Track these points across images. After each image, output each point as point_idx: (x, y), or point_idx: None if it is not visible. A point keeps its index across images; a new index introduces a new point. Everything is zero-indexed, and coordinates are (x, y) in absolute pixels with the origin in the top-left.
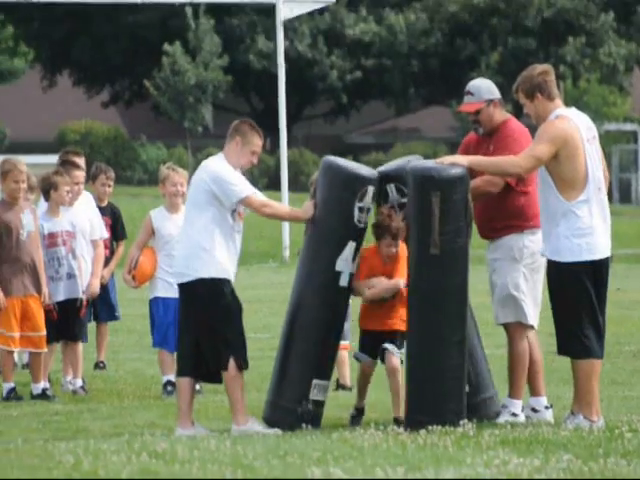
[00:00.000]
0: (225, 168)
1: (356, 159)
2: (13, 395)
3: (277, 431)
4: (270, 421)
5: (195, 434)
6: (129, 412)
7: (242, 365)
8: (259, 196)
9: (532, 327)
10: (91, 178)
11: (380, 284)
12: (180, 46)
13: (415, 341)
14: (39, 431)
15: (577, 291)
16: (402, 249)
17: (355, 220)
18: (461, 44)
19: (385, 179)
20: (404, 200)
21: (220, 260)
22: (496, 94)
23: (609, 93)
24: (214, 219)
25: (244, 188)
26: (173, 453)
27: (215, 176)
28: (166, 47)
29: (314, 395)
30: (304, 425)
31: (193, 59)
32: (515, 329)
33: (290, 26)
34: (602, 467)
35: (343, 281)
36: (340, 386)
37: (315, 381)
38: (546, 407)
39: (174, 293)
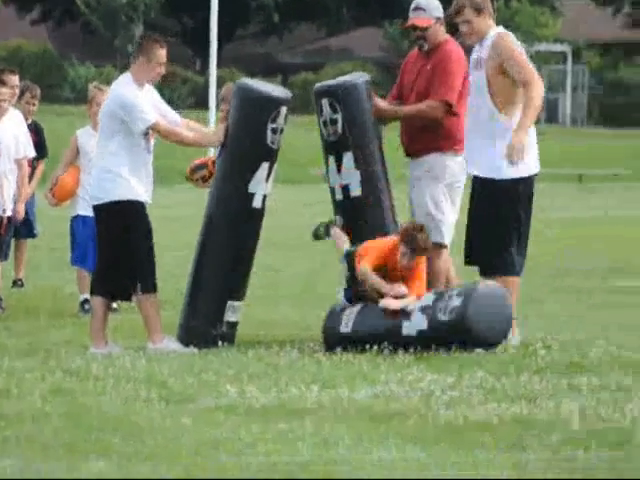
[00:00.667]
0: (132, 93)
1: (285, 79)
2: None
3: (193, 350)
4: (184, 343)
5: (109, 352)
6: (45, 330)
7: (149, 288)
8: (164, 123)
9: (446, 247)
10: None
11: (388, 298)
12: None
13: None
14: None
15: (512, 208)
16: (420, 269)
17: (268, 141)
18: None
19: (320, 95)
20: (336, 116)
21: (132, 183)
22: (442, 13)
23: (540, 14)
24: (125, 142)
25: (149, 115)
26: (87, 370)
27: (122, 102)
28: None
29: (228, 317)
30: (220, 343)
31: None
32: (432, 248)
33: None
34: (515, 383)
35: (257, 202)
36: None
37: (229, 302)
38: None
39: (89, 212)
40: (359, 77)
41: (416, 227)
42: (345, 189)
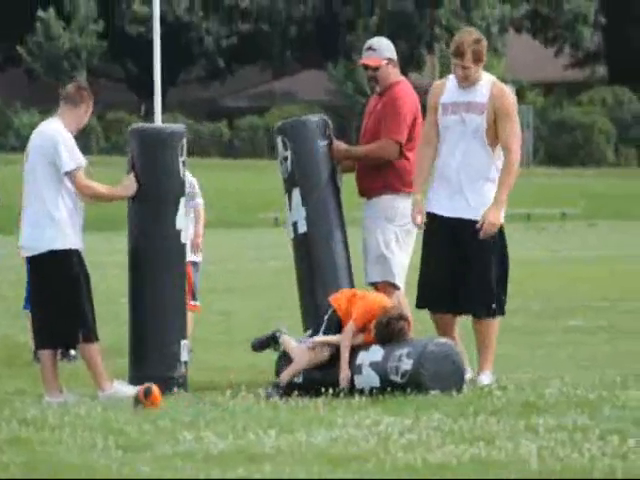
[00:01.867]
0: (59, 135)
1: (231, 123)
2: None
3: (147, 385)
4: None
5: (65, 401)
6: None
7: (91, 338)
8: (82, 175)
9: (399, 288)
10: None
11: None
12: (54, 12)
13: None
14: None
15: (506, 248)
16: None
17: (181, 175)
18: (339, 8)
19: (276, 132)
20: (286, 153)
21: (67, 230)
22: (394, 54)
23: None
24: (57, 186)
25: (72, 161)
26: (44, 420)
27: (50, 142)
28: (40, 13)
29: (184, 357)
30: (175, 389)
31: (68, 24)
32: (384, 288)
33: None
34: (472, 425)
35: (184, 238)
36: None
37: (183, 342)
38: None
39: None
40: (316, 117)
41: (390, 318)
42: (294, 225)
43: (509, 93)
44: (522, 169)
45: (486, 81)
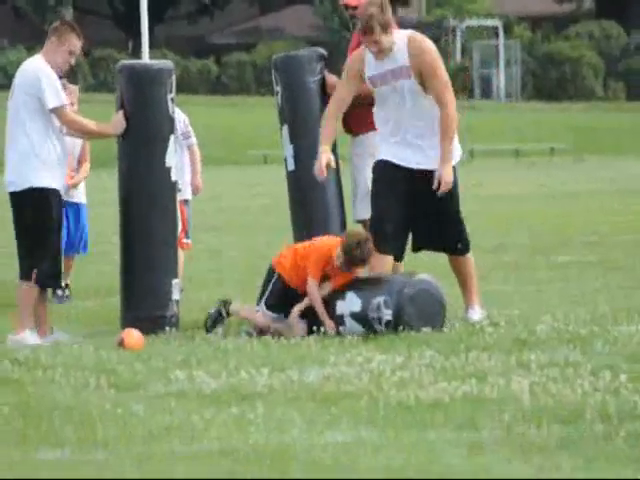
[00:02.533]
0: (43, 71)
1: (218, 59)
2: None
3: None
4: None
5: (57, 340)
6: None
7: (41, 282)
8: (69, 110)
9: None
10: None
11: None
12: None
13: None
14: None
15: (457, 190)
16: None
17: (170, 112)
18: None
19: (272, 66)
20: (277, 88)
21: (50, 169)
22: None
23: None
24: (41, 123)
25: (57, 98)
26: (36, 360)
27: (36, 78)
28: None
29: (176, 295)
30: (167, 328)
31: None
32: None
33: None
34: (463, 362)
35: (174, 175)
36: None
37: (174, 281)
38: None
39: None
40: (308, 50)
41: (359, 240)
42: (285, 162)
43: (427, 46)
44: (510, 103)
45: (401, 42)
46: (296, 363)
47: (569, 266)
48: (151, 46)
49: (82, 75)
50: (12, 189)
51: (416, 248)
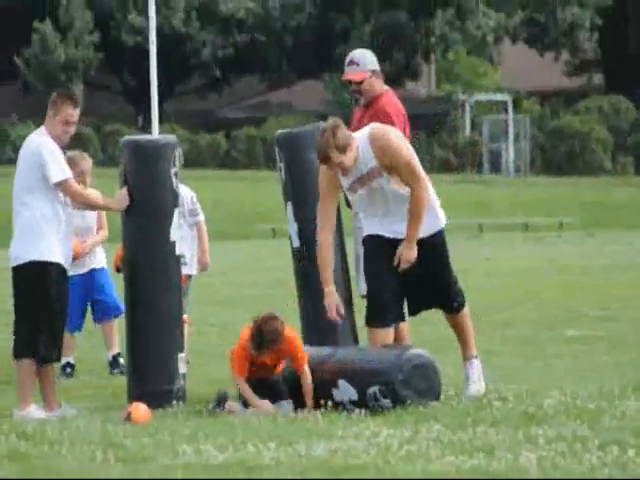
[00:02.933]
0: (46, 145)
1: (228, 134)
2: None
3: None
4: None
5: (64, 414)
6: None
7: (40, 357)
8: (74, 183)
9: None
10: None
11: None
12: (51, 24)
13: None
14: None
15: (447, 249)
16: (294, 347)
17: (174, 186)
18: (333, 18)
19: (275, 142)
20: (281, 164)
21: (52, 242)
22: (377, 66)
23: (479, 64)
24: (44, 197)
25: (60, 171)
26: (43, 434)
27: (38, 153)
28: (36, 24)
29: (182, 369)
30: (174, 402)
31: (64, 36)
32: None
33: (163, 2)
34: (471, 436)
35: (178, 249)
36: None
37: (180, 355)
38: None
39: (73, 272)
40: (311, 126)
41: (259, 323)
42: (290, 238)
43: (385, 141)
44: (519, 178)
45: (363, 147)
46: (303, 437)
47: (578, 341)
48: (161, 121)
49: (92, 150)
50: (14, 263)
51: (413, 312)
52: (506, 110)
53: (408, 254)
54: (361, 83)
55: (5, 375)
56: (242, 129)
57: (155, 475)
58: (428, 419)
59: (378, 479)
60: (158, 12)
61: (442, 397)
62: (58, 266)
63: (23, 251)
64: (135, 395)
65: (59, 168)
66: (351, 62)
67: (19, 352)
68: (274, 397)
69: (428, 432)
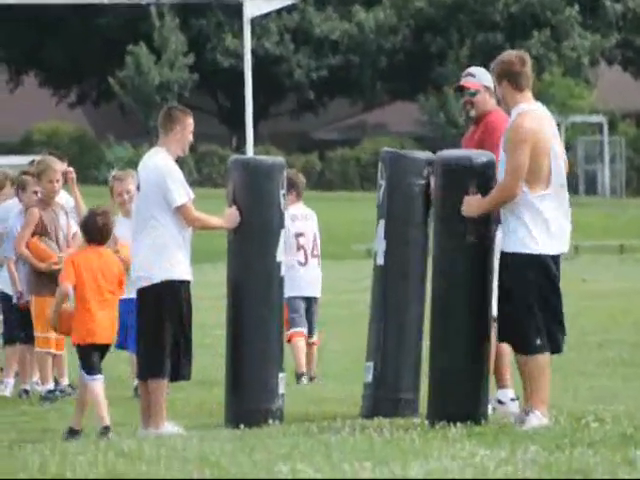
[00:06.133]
0: (167, 167)
1: (322, 155)
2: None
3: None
4: (235, 423)
5: (167, 432)
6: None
7: (175, 376)
8: (191, 207)
9: (494, 319)
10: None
11: None
12: (145, 46)
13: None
14: (5, 432)
15: (527, 283)
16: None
17: (282, 207)
18: (429, 40)
19: (380, 159)
20: (381, 182)
21: (180, 261)
22: (492, 84)
23: (574, 85)
24: (169, 218)
25: (179, 196)
26: (140, 452)
27: (161, 175)
28: (130, 47)
29: (282, 389)
30: (270, 420)
31: (159, 58)
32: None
33: (257, 24)
34: (569, 458)
35: (283, 270)
36: (304, 376)
37: (281, 375)
38: (512, 399)
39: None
40: (420, 153)
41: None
42: (375, 256)
43: (515, 119)
44: (615, 200)
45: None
46: (399, 457)
47: None
48: (255, 142)
49: (187, 170)
50: (141, 284)
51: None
52: (601, 132)
53: (470, 204)
54: (475, 94)
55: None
56: (336, 150)
57: None
58: (525, 440)
59: None
60: (252, 34)
61: None
62: (188, 284)
63: (154, 271)
64: (233, 412)
65: (178, 193)
66: (468, 74)
67: (153, 372)
68: None
69: (524, 453)
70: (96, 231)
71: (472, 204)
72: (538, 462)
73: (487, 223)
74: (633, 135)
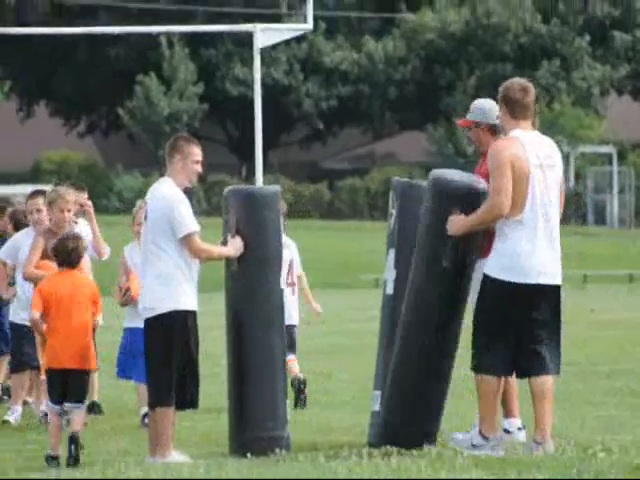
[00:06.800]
0: (175, 197)
1: (332, 184)
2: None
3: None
4: (240, 453)
5: (168, 461)
6: (102, 440)
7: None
8: (197, 238)
9: None
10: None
11: None
12: (155, 76)
13: (404, 352)
14: (11, 460)
15: (492, 308)
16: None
17: (284, 235)
18: (438, 70)
19: (392, 187)
20: (392, 210)
21: (187, 290)
22: (487, 118)
23: (584, 115)
24: (175, 248)
25: (185, 226)
26: None
27: (166, 206)
28: (140, 77)
29: (288, 416)
30: (277, 450)
31: (168, 88)
32: None
33: (267, 54)
34: None
35: (284, 299)
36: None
37: (287, 401)
38: (519, 428)
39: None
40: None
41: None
42: (384, 284)
43: (497, 143)
44: (624, 230)
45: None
46: None
47: None
48: (264, 171)
49: (196, 200)
50: (150, 314)
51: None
52: (611, 162)
53: (453, 223)
54: (469, 130)
55: (111, 421)
56: (345, 180)
57: None
58: (531, 468)
59: None
60: (262, 64)
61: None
62: (194, 314)
63: (161, 301)
64: (240, 440)
65: (183, 223)
66: (468, 109)
67: (160, 400)
68: None
69: None
70: (65, 254)
71: (456, 223)
72: None
73: (465, 251)
74: None
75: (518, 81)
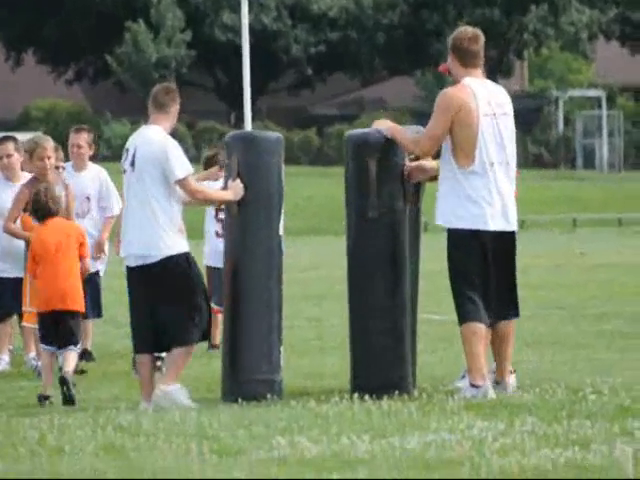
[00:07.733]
0: (169, 143)
1: (320, 131)
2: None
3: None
4: (234, 396)
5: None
6: (93, 386)
7: (199, 337)
8: (193, 180)
9: None
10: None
11: None
12: (143, 23)
13: (352, 307)
14: (3, 407)
15: (456, 257)
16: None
17: (283, 183)
18: (426, 16)
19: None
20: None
21: (178, 234)
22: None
23: (573, 60)
24: (167, 193)
25: (182, 169)
26: (138, 426)
27: (160, 151)
28: (128, 24)
29: (282, 362)
30: (269, 395)
31: (156, 35)
32: None
33: (255, 1)
34: (566, 429)
35: (283, 245)
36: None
37: (282, 347)
38: (510, 372)
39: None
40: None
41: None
42: None
43: (446, 89)
44: (613, 174)
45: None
46: (397, 429)
47: None
48: (253, 118)
49: (185, 147)
50: (142, 262)
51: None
52: (600, 106)
53: (381, 123)
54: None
55: (102, 367)
56: (334, 126)
57: (250, 469)
58: (522, 412)
59: (474, 478)
60: (250, 10)
61: (536, 390)
62: (190, 255)
63: (155, 248)
64: (232, 384)
65: (181, 166)
66: None
67: (197, 337)
68: None
69: (522, 425)
70: (43, 209)
71: (385, 124)
72: (536, 434)
73: (392, 198)
74: (631, 109)
75: (467, 29)
